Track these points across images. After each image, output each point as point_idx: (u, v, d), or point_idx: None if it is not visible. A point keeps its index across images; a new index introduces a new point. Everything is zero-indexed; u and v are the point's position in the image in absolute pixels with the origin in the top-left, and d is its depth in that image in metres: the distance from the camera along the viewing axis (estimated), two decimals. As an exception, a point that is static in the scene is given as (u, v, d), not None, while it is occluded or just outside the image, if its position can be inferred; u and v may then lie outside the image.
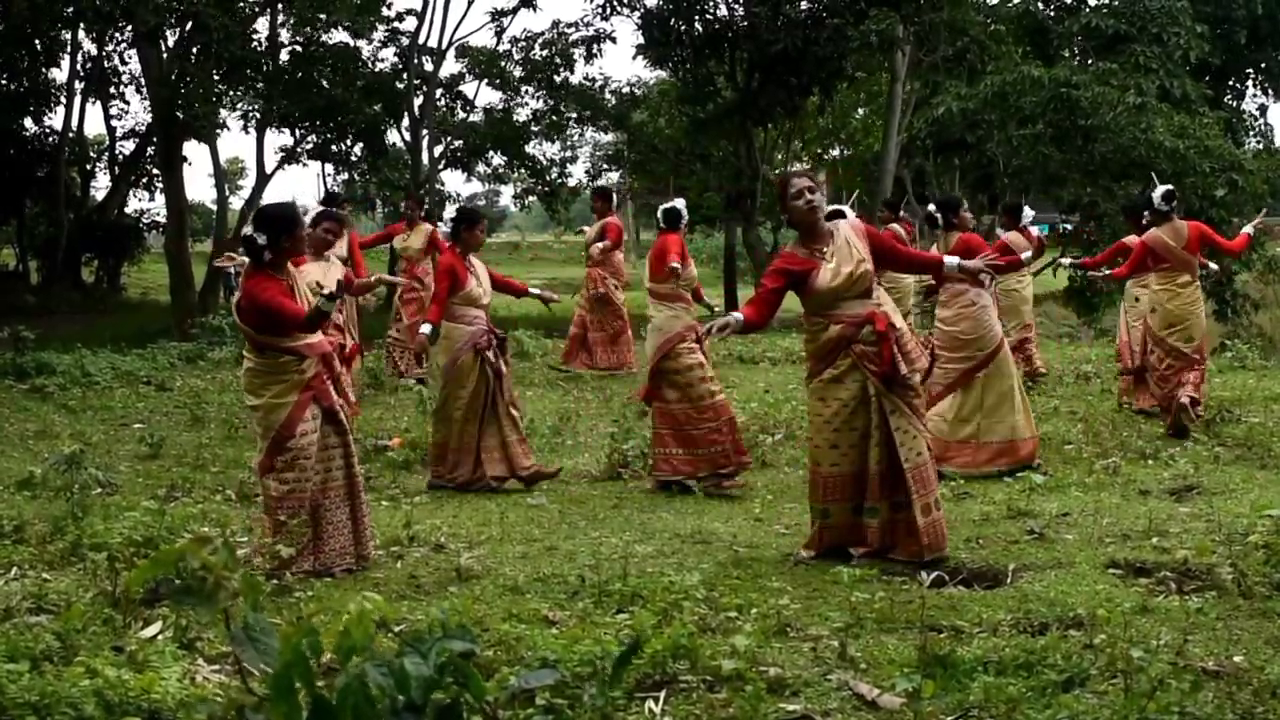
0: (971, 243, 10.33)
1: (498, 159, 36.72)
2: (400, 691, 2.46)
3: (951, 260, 8.09)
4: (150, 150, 34.26)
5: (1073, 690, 4.95)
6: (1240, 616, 6.04)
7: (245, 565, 6.82)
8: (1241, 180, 27.58)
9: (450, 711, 2.52)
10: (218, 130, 30.63)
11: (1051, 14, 33.62)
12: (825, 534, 7.61)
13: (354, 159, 35.82)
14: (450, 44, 34.10)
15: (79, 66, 34.57)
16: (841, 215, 8.14)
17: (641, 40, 28.60)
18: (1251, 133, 38.75)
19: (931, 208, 10.83)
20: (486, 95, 51.20)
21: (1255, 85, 39.36)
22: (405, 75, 33.19)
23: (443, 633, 2.56)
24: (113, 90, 35.60)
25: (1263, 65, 37.86)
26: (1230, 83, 38.16)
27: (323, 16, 30.47)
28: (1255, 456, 10.34)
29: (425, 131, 33.43)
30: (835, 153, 44.45)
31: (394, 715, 2.47)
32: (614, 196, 18.11)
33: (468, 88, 36.00)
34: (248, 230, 7.29)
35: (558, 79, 34.24)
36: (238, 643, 2.57)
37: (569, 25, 32.88)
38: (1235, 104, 38.75)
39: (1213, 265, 10.94)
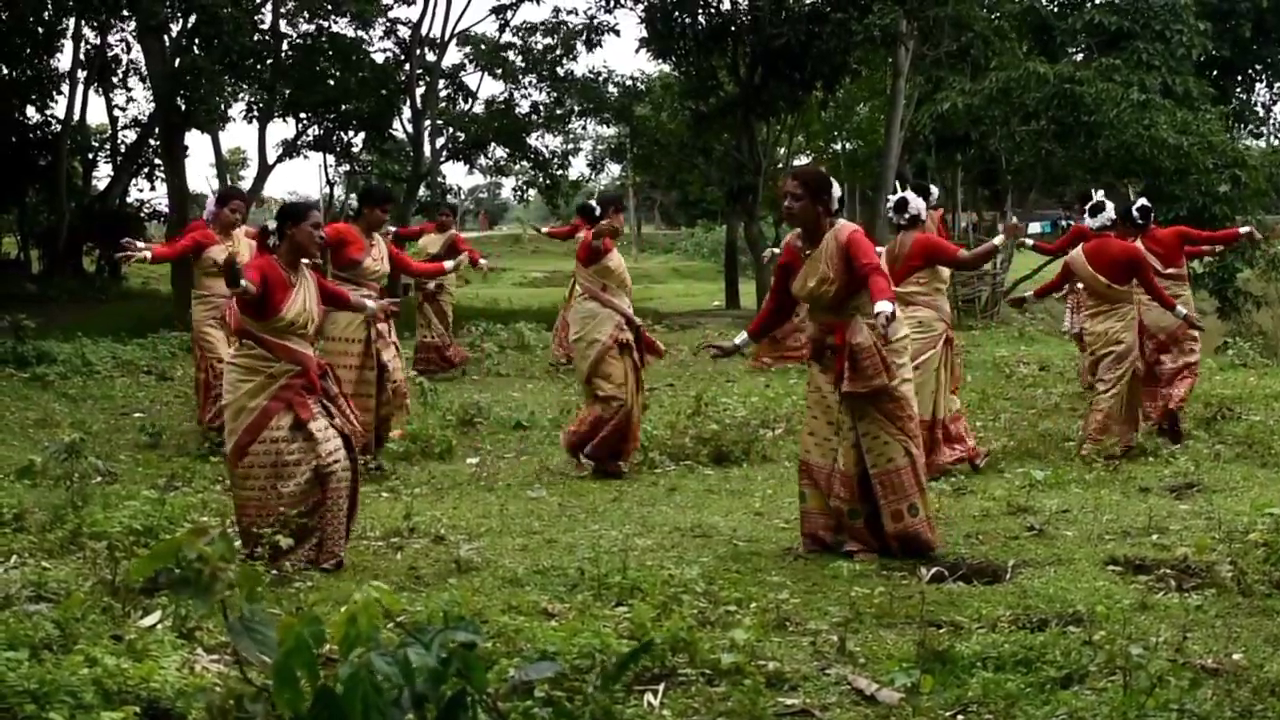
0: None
1: (499, 151, 36.72)
2: (405, 682, 2.46)
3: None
4: (152, 140, 34.23)
5: (1071, 687, 4.96)
6: (1239, 614, 6.04)
7: (244, 555, 6.84)
8: (1245, 176, 27.57)
9: (456, 703, 2.51)
10: (221, 122, 30.62)
11: (1055, 10, 33.54)
12: (804, 520, 7.70)
13: (355, 150, 35.80)
14: (452, 35, 34.06)
15: (82, 55, 34.54)
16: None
17: (645, 33, 28.57)
18: (1264, 125, 38.78)
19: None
20: (489, 87, 51.28)
21: (1262, 80, 39.31)
22: (407, 66, 33.17)
23: (445, 624, 2.56)
24: (115, 80, 35.57)
25: (1269, 60, 37.80)
26: (1238, 77, 38.09)
27: (329, 5, 30.43)
28: (1255, 454, 10.34)
29: (427, 123, 33.41)
30: (838, 148, 44.40)
31: (399, 705, 2.46)
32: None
33: (470, 79, 36.02)
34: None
35: (560, 70, 34.24)
36: (235, 633, 2.57)
37: (569, 12, 32.89)
38: (1245, 96, 38.70)
39: None
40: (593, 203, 10.69)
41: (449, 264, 12.45)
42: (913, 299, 9.92)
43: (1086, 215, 10.93)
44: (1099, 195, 11.11)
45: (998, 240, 10.08)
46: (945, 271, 10.29)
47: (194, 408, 13.15)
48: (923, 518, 7.49)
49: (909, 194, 10.25)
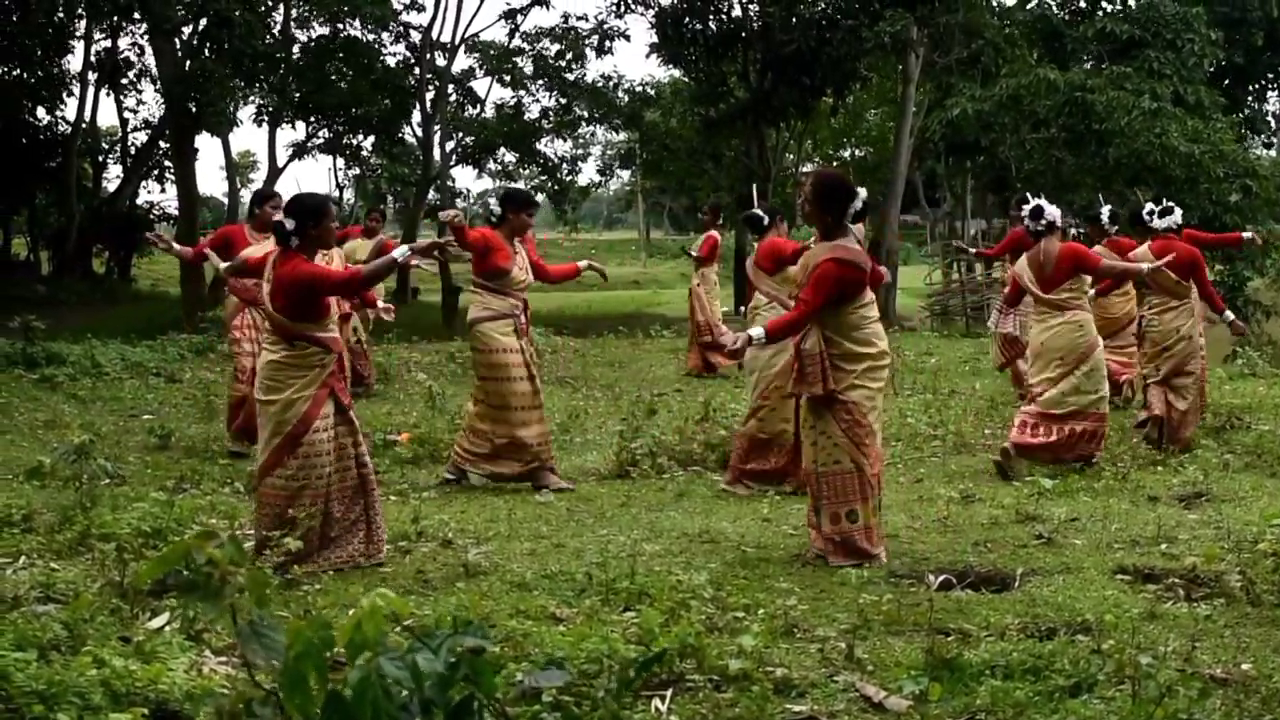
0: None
1: (509, 156, 36.80)
2: (414, 687, 2.46)
3: None
4: (162, 142, 34.32)
5: (1080, 696, 4.94)
6: (1248, 624, 6.03)
7: (253, 559, 6.84)
8: (1255, 186, 27.55)
9: (465, 708, 2.51)
10: (230, 124, 30.68)
11: (1066, 18, 33.55)
12: (808, 519, 7.82)
13: (365, 153, 35.89)
14: (462, 40, 34.13)
15: (92, 58, 34.62)
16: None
17: (655, 39, 28.58)
18: (1276, 135, 38.77)
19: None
20: (498, 92, 51.33)
21: (1274, 89, 39.28)
22: (418, 70, 33.24)
23: (454, 628, 2.56)
24: (126, 82, 35.66)
25: (1280, 70, 37.81)
26: (1250, 86, 38.06)
27: (345, 9, 30.50)
28: (1265, 464, 10.32)
29: (437, 127, 33.48)
30: (847, 154, 44.44)
31: (408, 710, 2.46)
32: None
33: (479, 84, 36.12)
34: (278, 216, 7.35)
35: (570, 76, 34.30)
36: (244, 638, 2.56)
37: (579, 18, 33.00)
38: (1256, 105, 38.66)
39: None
40: (758, 212, 10.53)
41: (582, 264, 11.99)
42: (1067, 304, 10.31)
43: (1155, 218, 11.64)
44: (1154, 204, 11.85)
45: (1146, 267, 10.83)
46: (1088, 277, 10.72)
47: (202, 411, 13.18)
48: (861, 525, 7.50)
49: (1043, 201, 10.55)
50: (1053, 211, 10.35)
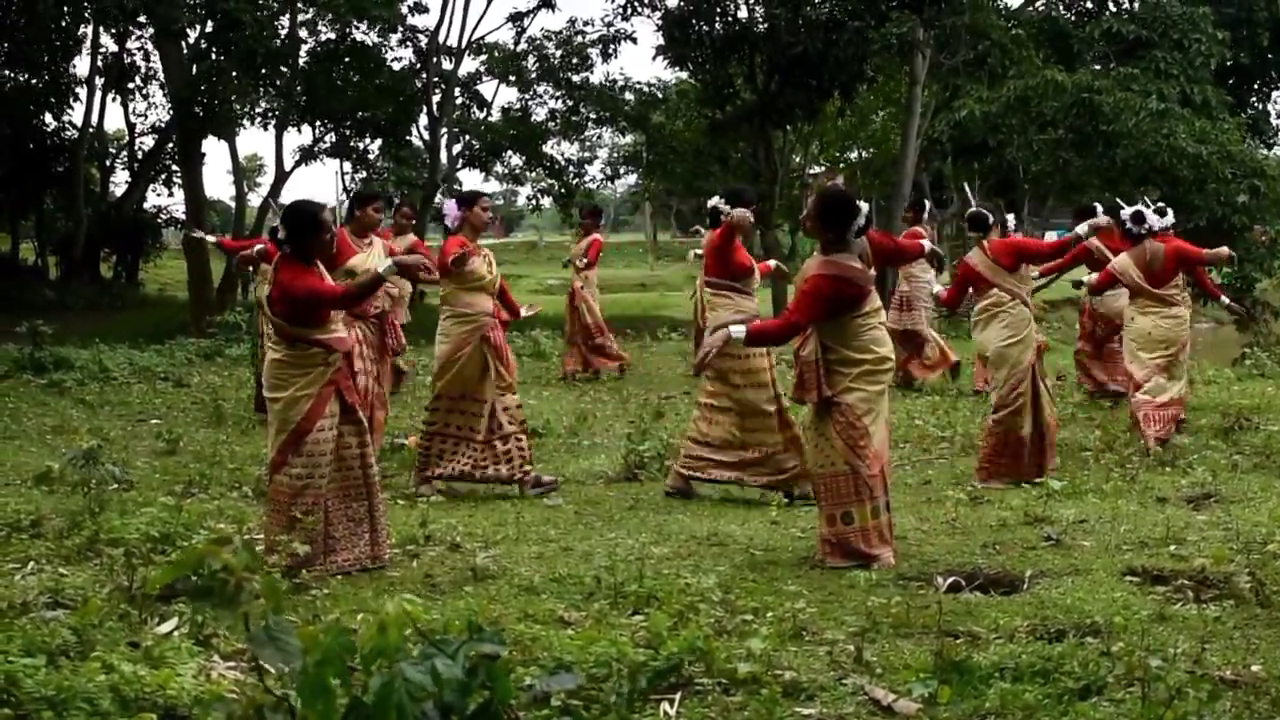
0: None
1: (516, 159, 36.79)
2: (436, 692, 2.45)
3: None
4: (170, 146, 34.35)
5: (1089, 698, 4.94)
6: (1258, 625, 6.03)
7: (263, 563, 6.84)
8: (1264, 186, 27.50)
9: (485, 712, 2.51)
10: (237, 128, 30.70)
11: (1073, 19, 33.50)
12: None
13: (372, 157, 35.89)
14: (469, 43, 34.14)
15: (99, 62, 34.66)
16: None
17: (661, 41, 28.55)
18: (1279, 136, 38.70)
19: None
20: (505, 95, 51.35)
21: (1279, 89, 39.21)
22: (424, 74, 33.25)
23: (470, 634, 2.55)
24: (133, 86, 35.70)
25: (1286, 69, 37.70)
26: (1255, 85, 37.99)
27: (352, 14, 30.48)
28: (1274, 465, 10.31)
29: (443, 130, 33.49)
30: (854, 155, 44.36)
31: (427, 716, 2.45)
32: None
33: (485, 87, 36.14)
34: (275, 222, 7.41)
35: (576, 79, 34.30)
36: (258, 643, 2.56)
37: (585, 23, 32.95)
38: (1260, 105, 38.60)
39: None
40: (984, 211, 10.59)
41: (771, 263, 11.65)
42: (1173, 300, 11.35)
43: (1154, 217, 11.88)
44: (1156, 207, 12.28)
45: (1224, 250, 11.76)
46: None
47: (210, 415, 13.17)
48: (858, 528, 7.50)
49: (1141, 207, 11.44)
50: (1152, 218, 11.24)
